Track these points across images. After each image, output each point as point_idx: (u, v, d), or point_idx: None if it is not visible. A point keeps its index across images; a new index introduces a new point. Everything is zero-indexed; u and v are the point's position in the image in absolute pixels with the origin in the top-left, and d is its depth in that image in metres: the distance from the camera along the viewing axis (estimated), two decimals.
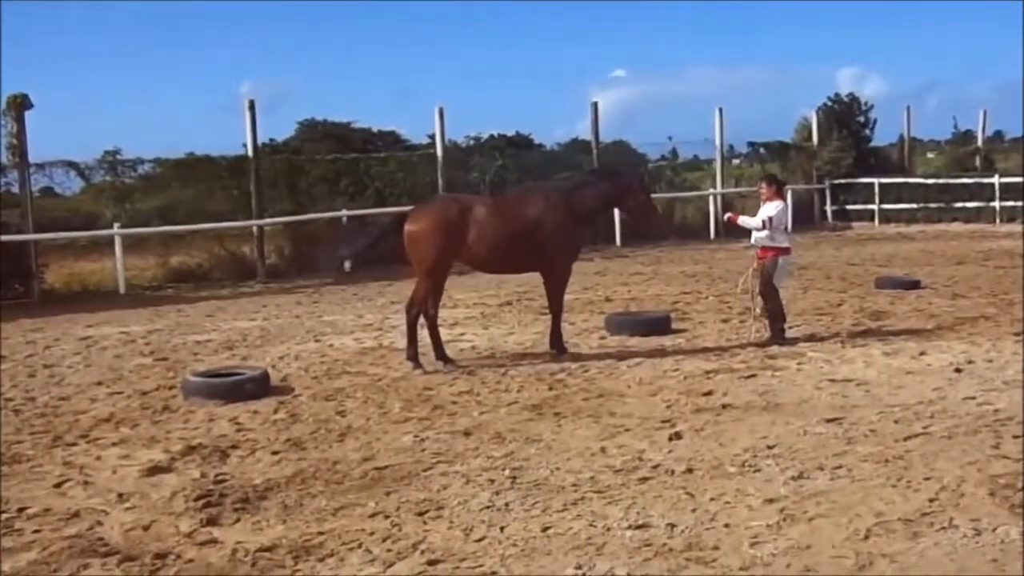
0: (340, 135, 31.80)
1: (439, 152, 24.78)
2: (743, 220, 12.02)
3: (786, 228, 11.69)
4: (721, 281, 18.12)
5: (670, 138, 34.55)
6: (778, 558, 5.22)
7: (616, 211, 15.90)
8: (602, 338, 12.40)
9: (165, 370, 11.42)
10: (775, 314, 11.54)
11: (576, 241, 11.37)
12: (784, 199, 11.66)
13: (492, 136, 31.06)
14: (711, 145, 30.34)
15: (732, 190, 31.01)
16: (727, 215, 12.59)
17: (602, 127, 27.65)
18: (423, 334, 10.89)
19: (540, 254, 10.92)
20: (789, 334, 11.73)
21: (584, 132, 29.35)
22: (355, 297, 17.76)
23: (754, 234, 11.65)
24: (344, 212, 22.39)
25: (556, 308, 11.26)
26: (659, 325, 12.61)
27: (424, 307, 10.87)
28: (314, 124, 38.23)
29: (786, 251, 11.57)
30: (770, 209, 11.43)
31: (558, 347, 11.23)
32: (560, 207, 10.89)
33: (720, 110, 29.73)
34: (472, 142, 28.88)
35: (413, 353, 10.80)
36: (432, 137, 25.89)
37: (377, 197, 24.16)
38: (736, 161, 34.87)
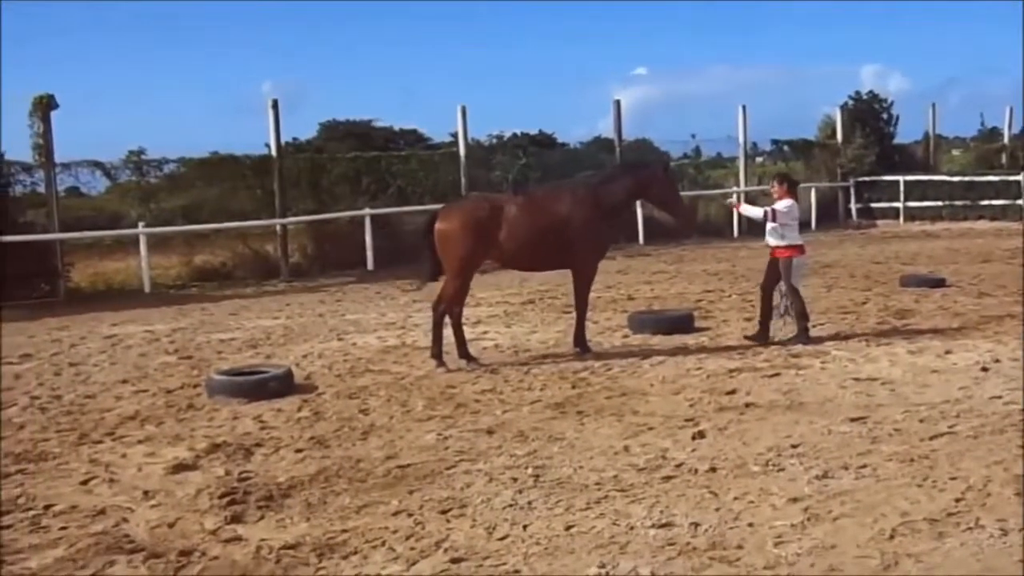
0: (362, 134, 31.92)
1: (462, 151, 24.83)
2: (745, 208, 12.00)
3: (798, 226, 11.55)
4: (744, 280, 18.06)
5: (693, 136, 34.37)
6: (802, 557, 5.20)
7: (640, 208, 15.81)
8: (625, 336, 12.39)
9: (189, 368, 11.48)
10: (799, 313, 11.50)
11: (605, 237, 11.35)
12: (796, 198, 11.54)
13: (515, 135, 31.03)
14: (734, 143, 30.28)
15: (755, 188, 30.89)
16: (729, 200, 12.47)
17: (624, 125, 27.63)
18: (447, 332, 10.90)
19: (569, 251, 10.92)
20: (813, 333, 11.68)
21: (606, 130, 29.34)
22: (378, 296, 17.80)
23: (767, 232, 11.59)
24: (367, 211, 22.43)
25: (581, 306, 11.26)
26: (682, 323, 12.60)
27: (450, 305, 10.88)
28: (336, 124, 38.38)
29: (799, 249, 11.48)
30: (779, 206, 11.35)
31: (581, 345, 11.23)
32: (588, 203, 10.88)
33: (744, 108, 29.69)
34: (495, 141, 28.87)
35: (437, 351, 10.82)
36: (454, 135, 25.93)
37: (399, 195, 24.19)
38: (759, 159, 34.73)
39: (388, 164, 24.86)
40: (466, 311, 11.48)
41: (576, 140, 33.73)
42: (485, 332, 13.09)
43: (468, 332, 11.56)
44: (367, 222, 22.23)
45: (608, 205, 11.03)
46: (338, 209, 23.10)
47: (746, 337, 11.60)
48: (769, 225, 11.48)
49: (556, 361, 10.97)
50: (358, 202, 23.12)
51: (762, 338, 11.45)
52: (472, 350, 11.15)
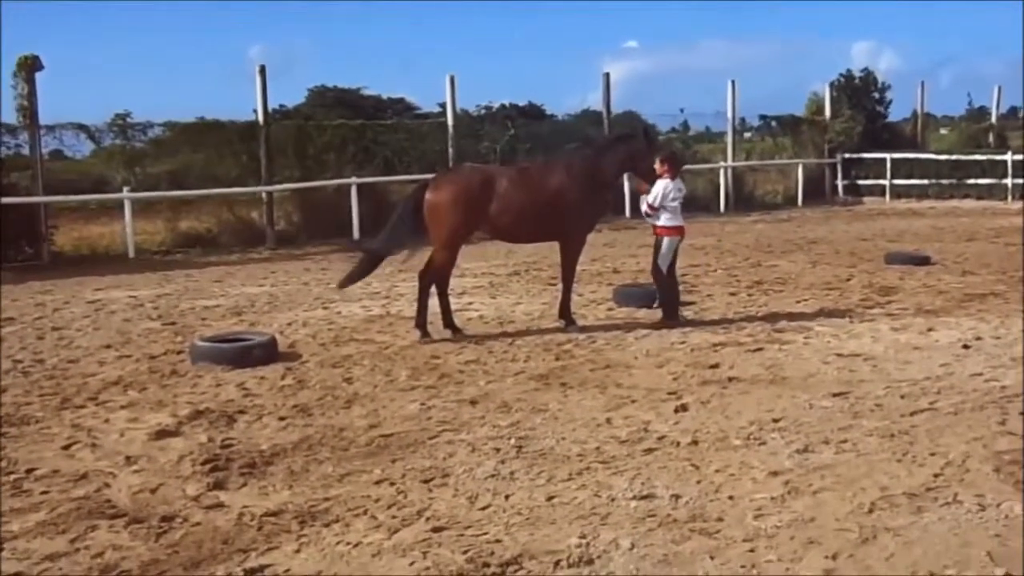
0: (350, 101, 31.81)
1: (450, 121, 24.74)
2: (643, 198, 11.64)
3: (678, 207, 11.19)
4: (730, 255, 18.11)
5: (682, 110, 34.48)
6: (782, 530, 5.24)
7: (626, 181, 15.79)
8: (610, 310, 12.41)
9: (173, 335, 11.46)
10: (663, 296, 11.38)
11: (595, 211, 11.33)
12: (675, 177, 11.26)
13: (503, 106, 31.02)
14: (723, 118, 30.23)
15: (743, 163, 30.95)
16: (640, 184, 11.83)
17: (613, 98, 27.59)
18: (432, 302, 10.90)
19: (559, 224, 10.90)
20: (797, 308, 11.71)
21: (595, 103, 29.28)
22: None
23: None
24: (353, 180, 22.36)
25: (568, 278, 11.25)
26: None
27: (437, 276, 10.88)
28: (324, 90, 38.18)
29: (671, 231, 11.22)
30: (657, 186, 11.22)
31: (566, 318, 11.24)
32: (581, 178, 10.86)
33: (733, 83, 29.62)
34: (483, 111, 28.82)
35: (422, 321, 10.82)
36: (442, 105, 25.87)
37: (386, 165, 24.15)
38: (748, 134, 34.74)
39: (375, 133, 24.78)
40: (451, 281, 11.47)
41: (565, 112, 33.66)
42: (470, 303, 13.09)
43: (453, 303, 11.56)
44: (353, 191, 22.16)
45: (601, 179, 11.02)
46: (324, 177, 23.02)
47: (654, 327, 11.30)
48: (643, 207, 11.34)
49: (541, 333, 10.99)
50: (345, 170, 23.06)
51: (672, 318, 11.22)
52: (457, 321, 11.16)
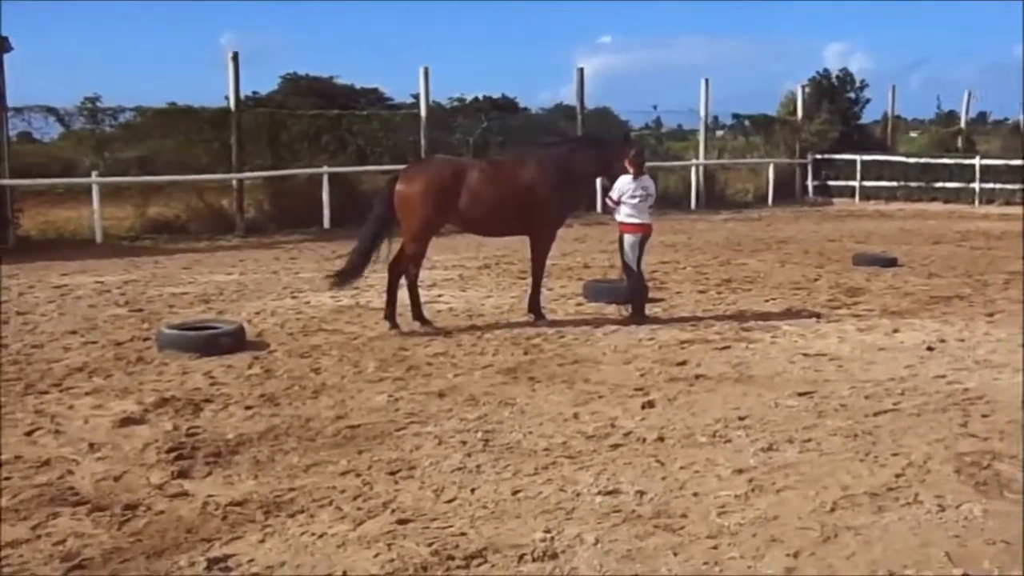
0: (323, 90, 31.69)
1: (423, 112, 24.68)
2: (610, 194, 11.63)
3: (644, 204, 11.17)
4: (700, 252, 18.18)
5: (655, 107, 34.82)
6: (745, 527, 5.28)
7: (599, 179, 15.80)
8: (579, 305, 12.44)
9: (140, 321, 11.39)
10: (630, 292, 11.41)
11: (566, 207, 11.38)
12: (637, 176, 11.26)
13: (477, 98, 30.97)
14: (696, 116, 30.37)
15: (715, 161, 31.07)
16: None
17: (587, 93, 27.59)
18: (402, 294, 10.89)
19: (530, 219, 10.92)
20: (765, 307, 11.79)
21: (569, 97, 29.30)
22: (334, 254, 17.71)
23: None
24: (325, 169, 22.29)
25: (538, 273, 11.27)
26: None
27: (407, 267, 10.86)
28: (297, 78, 37.97)
29: (632, 228, 11.23)
30: (619, 181, 11.17)
31: (536, 312, 11.26)
32: (553, 174, 10.88)
33: (707, 81, 29.74)
34: (456, 103, 28.76)
35: (391, 313, 10.81)
36: (416, 97, 25.80)
37: (359, 155, 24.10)
38: (720, 133, 34.90)
39: (349, 123, 24.73)
40: (421, 273, 11.46)
41: (538, 106, 33.68)
42: (440, 295, 13.09)
43: (423, 295, 11.56)
44: (325, 180, 22.10)
45: (574, 177, 11.05)
46: (296, 166, 22.95)
47: (620, 322, 11.22)
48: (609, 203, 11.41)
49: (510, 327, 11.00)
50: (316, 159, 22.98)
51: (639, 316, 11.26)
52: (426, 313, 11.15)
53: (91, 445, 6.80)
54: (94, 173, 19.87)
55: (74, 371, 8.96)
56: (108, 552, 5.06)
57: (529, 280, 11.64)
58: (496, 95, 34.30)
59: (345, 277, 10.94)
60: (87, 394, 8.18)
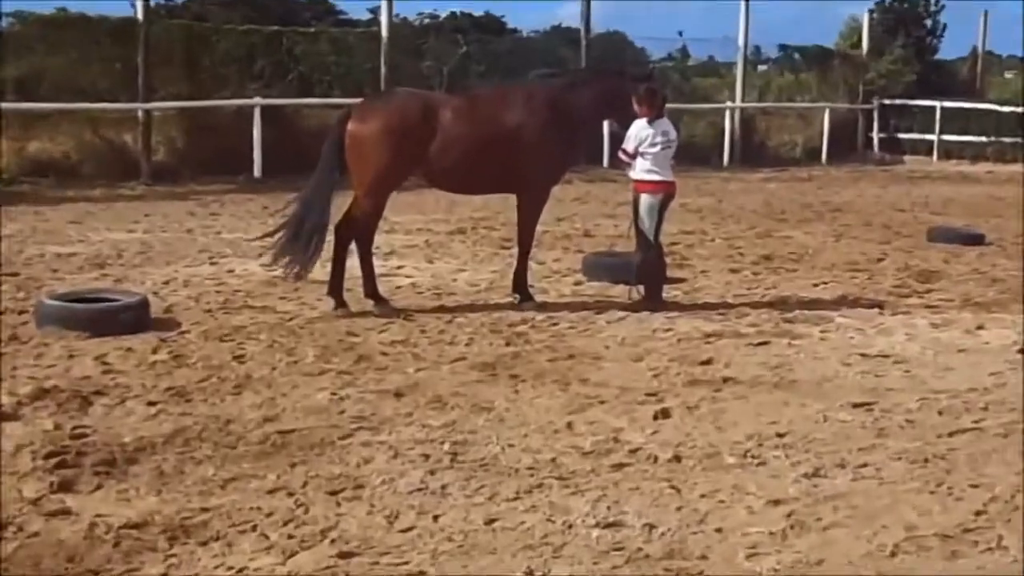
0: (257, 1, 31.44)
1: (384, 31, 24.55)
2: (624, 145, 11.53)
3: (663, 154, 11.09)
4: (732, 220, 18.21)
5: (680, 33, 34.53)
6: (781, 574, 5.29)
7: (606, 123, 15.78)
8: (577, 284, 12.45)
9: (15, 289, 11.33)
10: (644, 269, 11.45)
11: (563, 157, 11.32)
12: (656, 118, 11.16)
13: (454, 15, 30.85)
14: (732, 46, 30.34)
15: (755, 104, 31.09)
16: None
17: (594, 13, 27.52)
18: (351, 264, 10.86)
19: (517, 171, 10.87)
20: (814, 293, 11.80)
21: (570, 18, 29.23)
22: (265, 211, 17.64)
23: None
24: (258, 100, 22.19)
25: (525, 241, 11.25)
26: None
27: (359, 231, 10.81)
28: None
29: (652, 186, 11.17)
30: (632, 128, 11.08)
31: (522, 291, 11.25)
32: (547, 112, 10.85)
33: (746, 1, 29.64)
34: (428, 21, 28.66)
35: (337, 287, 10.77)
36: (375, 11, 25.75)
37: (301, 84, 24.05)
38: (762, 68, 34.90)
39: (289, 42, 24.61)
40: (378, 238, 11.43)
41: (530, 28, 33.64)
42: (400, 267, 13.09)
43: (379, 266, 11.53)
44: (257, 115, 22.00)
45: (572, 119, 10.99)
46: (221, 96, 22.83)
47: (628, 308, 11.19)
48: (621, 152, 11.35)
49: (488, 309, 10.99)
50: (247, 88, 22.87)
51: (655, 299, 11.28)
52: (382, 289, 11.13)
53: None
54: None
55: None
56: None
57: (515, 251, 11.63)
58: (478, 12, 34.20)
59: (297, 255, 10.68)
60: None
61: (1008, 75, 43.01)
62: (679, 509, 6.06)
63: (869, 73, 32.45)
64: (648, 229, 11.24)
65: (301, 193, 10.87)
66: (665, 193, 11.27)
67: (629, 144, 11.13)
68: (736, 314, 11.08)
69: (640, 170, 11.16)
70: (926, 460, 6.92)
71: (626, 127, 11.25)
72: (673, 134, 11.27)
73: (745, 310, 11.26)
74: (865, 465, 6.81)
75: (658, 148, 11.06)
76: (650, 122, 11.04)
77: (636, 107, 11.04)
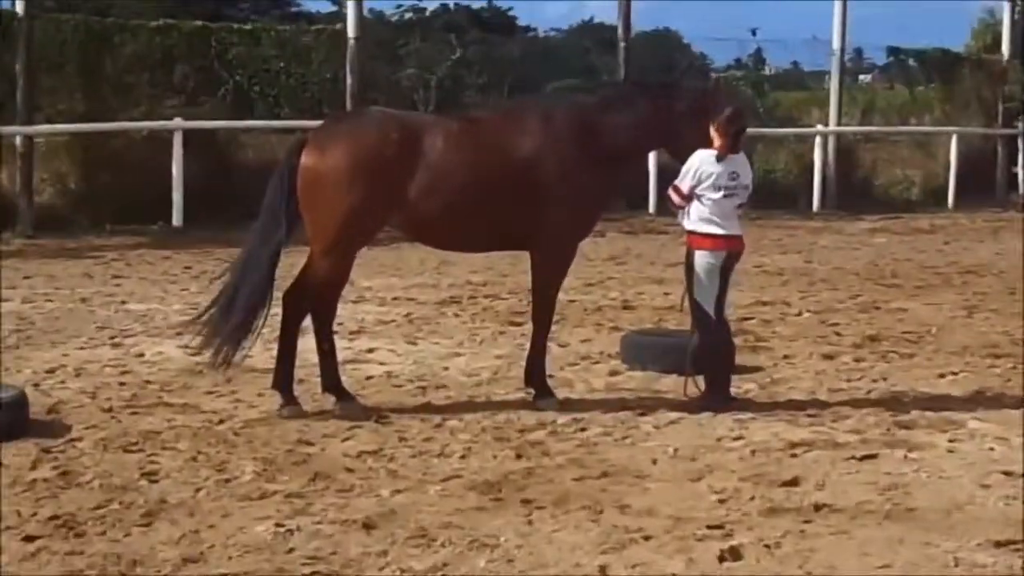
0: None
1: (351, 30, 24.68)
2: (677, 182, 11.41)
3: (725, 199, 10.98)
4: (825, 286, 18.22)
5: (753, 32, 34.72)
6: None
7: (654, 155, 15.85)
8: (614, 374, 12.44)
9: None
10: (703, 353, 11.39)
11: (596, 202, 11.34)
12: (729, 151, 11.02)
13: (445, 7, 31.08)
14: (824, 49, 30.46)
15: (856, 128, 31.16)
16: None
17: (636, 6, 27.66)
18: (304, 346, 10.86)
19: (532, 220, 10.86)
20: (927, 386, 11.79)
21: (603, 13, 29.45)
22: (187, 273, 17.73)
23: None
24: (178, 123, 22.29)
25: (543, 316, 11.24)
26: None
27: (317, 300, 10.81)
28: None
29: (711, 242, 11.13)
30: (692, 159, 10.95)
31: (538, 384, 11.22)
32: (573, 141, 10.86)
33: None
34: (410, 17, 28.85)
35: (284, 378, 10.75)
36: (339, 3, 25.87)
37: (238, 100, 24.13)
38: (865, 78, 35.05)
39: (221, 43, 24.74)
40: (342, 310, 11.45)
41: (550, 26, 33.89)
42: (372, 350, 13.12)
43: (343, 348, 11.55)
44: (177, 141, 22.11)
45: (608, 148, 11.00)
46: (128, 116, 22.95)
47: (687, 408, 11.16)
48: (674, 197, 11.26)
49: (491, 408, 10.98)
50: (164, 106, 22.99)
51: (717, 398, 11.20)
52: (347, 380, 11.13)
53: None
54: None
55: None
56: None
57: (528, 328, 11.65)
58: (478, 5, 34.51)
59: (230, 334, 10.80)
60: None
61: None
62: None
63: (1011, 85, 32.51)
64: (707, 299, 11.21)
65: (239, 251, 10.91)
66: (729, 251, 11.23)
67: (684, 181, 11.03)
68: (832, 416, 11.04)
69: (696, 218, 11.11)
70: None
71: (682, 160, 11.21)
72: (747, 178, 11.19)
73: (844, 411, 11.22)
74: None
75: (721, 194, 10.99)
76: (720, 158, 10.96)
77: (714, 136, 10.91)
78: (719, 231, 11.09)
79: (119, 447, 9.61)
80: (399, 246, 15.97)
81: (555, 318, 11.59)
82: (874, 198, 30.14)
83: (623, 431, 10.44)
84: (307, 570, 7.32)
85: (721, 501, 8.77)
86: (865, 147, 31.55)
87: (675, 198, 11.20)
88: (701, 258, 11.17)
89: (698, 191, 11.00)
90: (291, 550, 7.64)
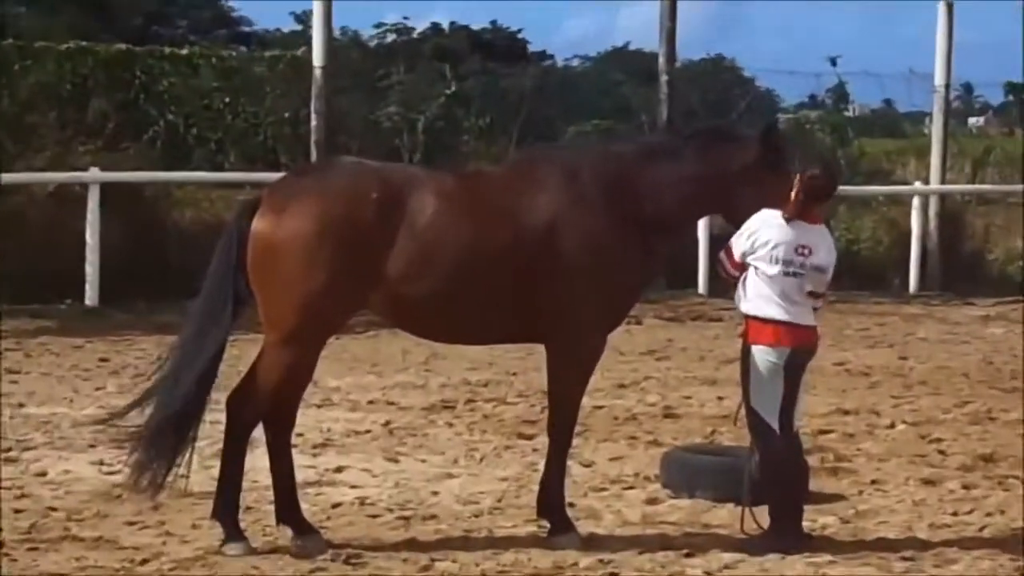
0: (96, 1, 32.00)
1: (317, 57, 24.79)
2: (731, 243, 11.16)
3: (781, 279, 10.66)
4: (925, 390, 18.23)
5: (833, 62, 34.79)
6: None
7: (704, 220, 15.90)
8: (653, 501, 12.45)
9: None
10: (766, 476, 11.26)
11: (628, 281, 11.34)
12: (801, 216, 10.69)
13: (439, 28, 31.26)
14: (923, 85, 30.62)
15: (965, 187, 31.26)
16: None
17: (684, 27, 27.83)
18: (254, 464, 10.88)
19: (547, 304, 10.89)
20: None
21: (638, 35, 29.65)
22: (102, 367, 17.78)
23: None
24: (95, 174, 22.40)
25: (562, 425, 11.23)
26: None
27: (270, 403, 10.83)
28: None
29: (772, 332, 10.85)
30: (752, 222, 10.73)
31: (555, 515, 11.23)
32: (602, 202, 10.91)
33: (949, 6, 29.94)
34: (394, 39, 29.05)
35: (228, 505, 10.75)
36: (303, 20, 26.06)
37: (169, 144, 24.26)
38: (976, 121, 35.23)
39: (149, 74, 24.88)
40: (303, 417, 11.49)
41: (571, 53, 34.13)
42: (341, 469, 13.14)
43: (304, 466, 11.58)
44: (93, 197, 22.18)
45: (647, 211, 11.05)
46: (29, 165, 23.07)
47: (749, 549, 11.10)
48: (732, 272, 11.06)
49: (495, 547, 10.98)
50: (75, 152, 23.12)
51: (786, 535, 11.07)
52: (309, 509, 11.14)
53: None
54: None
55: None
56: None
57: (542, 442, 11.66)
58: (479, 26, 34.73)
59: (159, 449, 10.82)
60: None
61: None
62: None
63: None
64: (770, 407, 11.09)
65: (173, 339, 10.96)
66: (796, 346, 10.95)
67: (739, 244, 10.85)
68: (934, 560, 11.03)
69: (753, 296, 10.87)
70: None
71: (739, 221, 11.10)
72: (823, 259, 10.82)
73: (950, 553, 11.22)
74: None
75: (778, 269, 10.67)
76: (790, 219, 10.75)
77: (793, 195, 10.63)
78: (782, 316, 10.78)
79: None
80: (377, 334, 15.99)
81: (577, 429, 11.60)
82: (988, 276, 30.18)
83: None
84: None
85: None
86: (977, 211, 31.64)
87: (726, 264, 11.05)
88: (760, 354, 10.89)
89: (751, 260, 10.79)
90: None
